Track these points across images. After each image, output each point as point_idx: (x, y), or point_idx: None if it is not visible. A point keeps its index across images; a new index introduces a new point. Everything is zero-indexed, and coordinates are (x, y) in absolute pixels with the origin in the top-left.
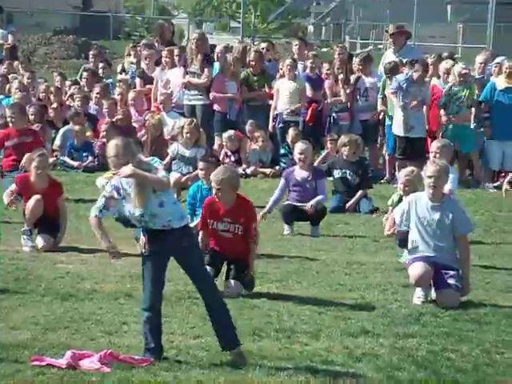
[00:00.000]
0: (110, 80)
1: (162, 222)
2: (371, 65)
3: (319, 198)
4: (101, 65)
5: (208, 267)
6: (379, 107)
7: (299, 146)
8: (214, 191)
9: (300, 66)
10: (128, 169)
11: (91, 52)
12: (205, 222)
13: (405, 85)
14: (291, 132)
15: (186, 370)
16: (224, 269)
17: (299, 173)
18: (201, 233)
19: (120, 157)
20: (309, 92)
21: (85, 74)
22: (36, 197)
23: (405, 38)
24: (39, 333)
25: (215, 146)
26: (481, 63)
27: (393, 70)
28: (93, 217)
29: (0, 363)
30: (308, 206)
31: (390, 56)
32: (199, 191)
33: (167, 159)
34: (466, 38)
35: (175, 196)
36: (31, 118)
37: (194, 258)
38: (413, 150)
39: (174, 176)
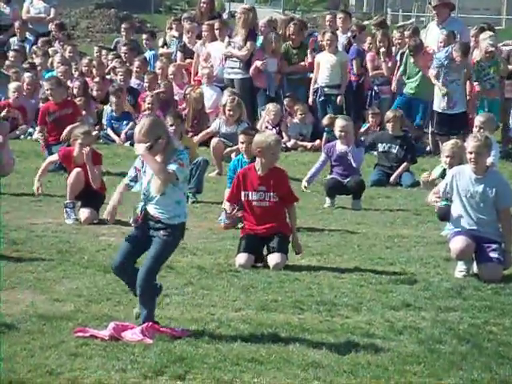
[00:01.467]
0: (153, 52)
1: (154, 211)
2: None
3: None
4: (145, 36)
5: (246, 254)
6: (393, 84)
7: (339, 123)
8: (255, 153)
9: (343, 38)
10: (140, 149)
11: (123, 25)
12: (235, 192)
13: (446, 61)
14: (325, 120)
15: (228, 342)
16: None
17: (340, 148)
18: (228, 205)
19: (141, 135)
20: (359, 67)
21: (123, 48)
22: (77, 170)
23: (448, 9)
24: (82, 305)
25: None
26: None
27: (417, 48)
28: (123, 182)
29: (44, 334)
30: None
31: (433, 28)
32: (240, 165)
33: (201, 135)
34: (510, 10)
35: (185, 197)
36: (75, 91)
37: (157, 249)
38: (452, 126)
39: (214, 141)
